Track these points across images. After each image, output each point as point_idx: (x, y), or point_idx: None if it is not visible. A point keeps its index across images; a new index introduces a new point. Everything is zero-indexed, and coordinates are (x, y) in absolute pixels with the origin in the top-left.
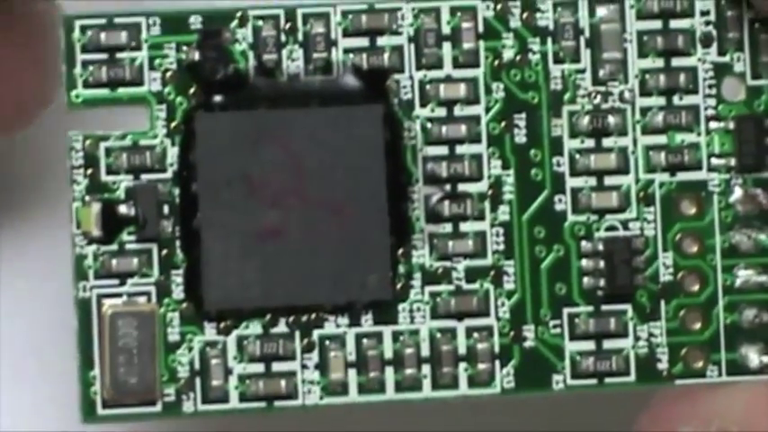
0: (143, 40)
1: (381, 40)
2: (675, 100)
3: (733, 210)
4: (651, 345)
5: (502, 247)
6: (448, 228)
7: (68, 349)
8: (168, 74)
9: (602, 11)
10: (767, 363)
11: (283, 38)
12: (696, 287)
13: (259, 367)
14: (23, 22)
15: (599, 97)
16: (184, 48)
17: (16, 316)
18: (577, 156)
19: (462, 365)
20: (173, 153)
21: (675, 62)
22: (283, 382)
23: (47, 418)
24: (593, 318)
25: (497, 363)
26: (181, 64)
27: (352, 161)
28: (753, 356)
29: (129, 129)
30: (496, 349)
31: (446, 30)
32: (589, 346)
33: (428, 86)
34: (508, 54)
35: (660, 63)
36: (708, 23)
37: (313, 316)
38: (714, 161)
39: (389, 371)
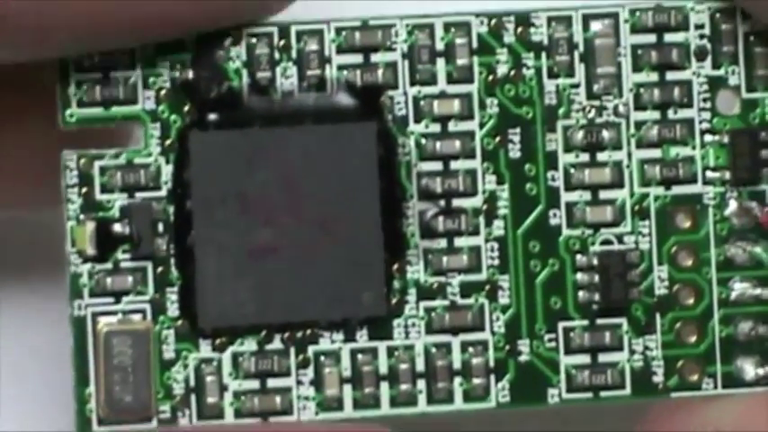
0: (137, 58)
1: (375, 57)
2: (670, 114)
3: (728, 223)
4: (646, 358)
5: (497, 261)
6: (443, 243)
7: (68, 358)
8: (162, 92)
9: (596, 25)
10: (763, 375)
11: (277, 55)
12: (691, 300)
13: (254, 384)
14: None
15: (593, 111)
16: (178, 66)
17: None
18: (572, 170)
19: (457, 380)
20: (167, 171)
21: (670, 76)
22: (278, 399)
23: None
24: (589, 331)
25: (492, 377)
26: (175, 82)
27: (346, 178)
28: (748, 369)
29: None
30: (491, 364)
31: (440, 46)
32: (584, 359)
33: (422, 102)
34: (502, 69)
35: (655, 77)
36: (702, 37)
37: (308, 332)
38: (709, 174)
39: (384, 386)
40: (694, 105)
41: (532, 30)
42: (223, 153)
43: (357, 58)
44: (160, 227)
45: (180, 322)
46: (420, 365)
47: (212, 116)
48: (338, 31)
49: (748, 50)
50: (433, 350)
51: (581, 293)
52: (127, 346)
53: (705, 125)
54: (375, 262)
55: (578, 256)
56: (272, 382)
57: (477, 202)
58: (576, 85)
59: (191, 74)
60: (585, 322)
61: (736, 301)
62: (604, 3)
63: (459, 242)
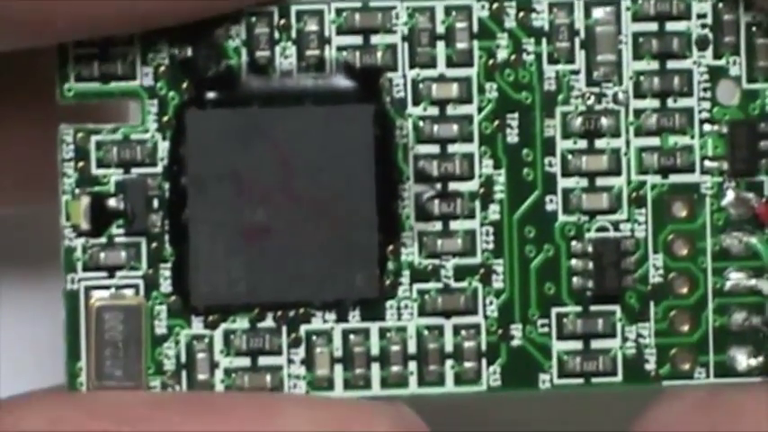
0: (136, 35)
1: (375, 39)
2: (669, 102)
3: (725, 213)
4: (639, 346)
5: (491, 246)
6: (438, 226)
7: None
8: (161, 69)
9: (598, 12)
10: (755, 365)
11: (276, 35)
12: (686, 289)
13: (245, 361)
14: None
15: (592, 98)
16: (177, 43)
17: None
18: (569, 156)
19: (449, 363)
20: (163, 148)
21: (670, 65)
22: (269, 377)
23: None
24: (582, 318)
25: (484, 361)
26: (173, 59)
27: (342, 159)
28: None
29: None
30: (483, 347)
31: (440, 29)
32: (576, 345)
33: (421, 85)
34: (502, 54)
35: (655, 65)
36: (704, 26)
37: (300, 311)
38: (707, 164)
39: (375, 367)
40: (694, 95)
41: (533, 15)
42: (220, 131)
43: (357, 40)
44: (155, 203)
45: (172, 299)
46: (412, 347)
47: (210, 94)
48: (338, 11)
49: (750, 41)
50: (426, 332)
51: (575, 280)
52: (118, 321)
53: (704, 115)
54: (369, 244)
55: (573, 243)
56: (263, 360)
57: (473, 185)
58: (576, 72)
59: (189, 51)
60: (579, 308)
61: (731, 292)
62: None
63: (455, 225)
